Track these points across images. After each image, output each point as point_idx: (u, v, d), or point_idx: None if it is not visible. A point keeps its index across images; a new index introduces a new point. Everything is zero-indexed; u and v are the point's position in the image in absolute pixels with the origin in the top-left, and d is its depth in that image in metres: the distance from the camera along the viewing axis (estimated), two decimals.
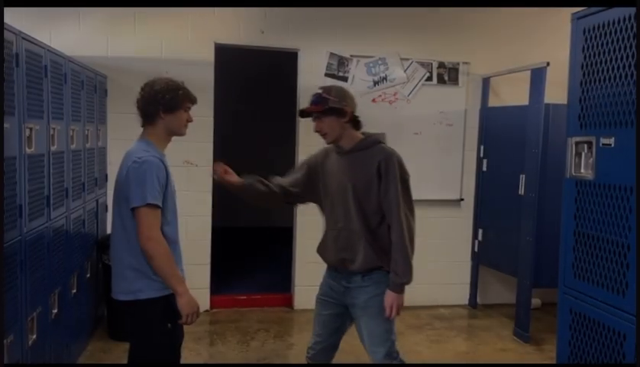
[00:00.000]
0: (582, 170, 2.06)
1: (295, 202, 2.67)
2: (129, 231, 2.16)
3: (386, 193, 2.41)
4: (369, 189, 2.44)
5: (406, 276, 2.41)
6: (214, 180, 2.61)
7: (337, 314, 2.60)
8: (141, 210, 2.09)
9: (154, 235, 2.10)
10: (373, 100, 4.83)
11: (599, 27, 1.96)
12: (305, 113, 2.52)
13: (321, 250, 2.62)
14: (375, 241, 2.46)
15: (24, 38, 2.47)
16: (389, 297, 2.43)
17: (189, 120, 2.35)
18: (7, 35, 2.27)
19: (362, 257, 2.46)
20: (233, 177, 2.54)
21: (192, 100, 2.35)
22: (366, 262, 2.46)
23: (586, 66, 2.02)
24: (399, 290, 2.43)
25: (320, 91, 2.49)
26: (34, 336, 2.61)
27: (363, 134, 2.55)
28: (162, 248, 2.11)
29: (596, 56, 1.96)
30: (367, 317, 2.49)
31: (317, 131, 2.50)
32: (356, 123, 2.52)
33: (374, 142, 2.51)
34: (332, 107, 2.42)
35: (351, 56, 4.77)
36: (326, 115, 2.44)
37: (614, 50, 1.88)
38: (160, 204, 2.14)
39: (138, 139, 2.31)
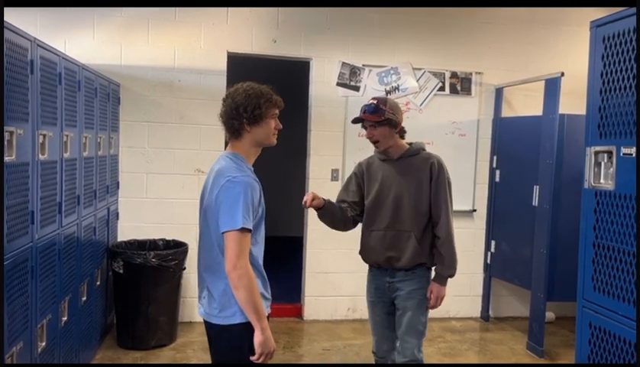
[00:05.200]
0: (601, 181, 2.01)
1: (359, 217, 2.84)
2: (223, 254, 2.03)
3: (436, 193, 2.69)
4: (422, 191, 2.69)
5: (453, 268, 2.69)
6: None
7: (388, 313, 2.78)
8: (232, 234, 1.96)
9: (241, 263, 1.96)
10: None
11: (618, 34, 1.92)
12: (358, 120, 2.73)
13: (364, 251, 2.80)
14: (423, 240, 2.69)
15: (39, 45, 2.48)
16: (436, 288, 2.68)
17: (277, 127, 2.16)
18: (22, 42, 2.28)
19: (410, 254, 2.67)
20: (318, 201, 2.66)
21: (278, 106, 2.15)
22: (413, 259, 2.68)
23: (606, 74, 1.98)
24: (444, 282, 2.69)
25: (375, 101, 2.69)
26: (44, 344, 2.59)
27: (407, 143, 2.79)
28: (246, 279, 1.96)
29: (617, 64, 1.92)
30: (409, 308, 2.69)
31: (369, 138, 2.73)
32: (402, 133, 2.76)
33: (420, 149, 2.78)
34: (388, 118, 2.65)
35: (363, 65, 4.76)
36: (381, 125, 2.66)
37: (635, 58, 1.84)
38: (252, 227, 2.00)
39: (226, 153, 2.15)
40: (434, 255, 2.73)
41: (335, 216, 2.75)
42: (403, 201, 2.68)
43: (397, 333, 2.73)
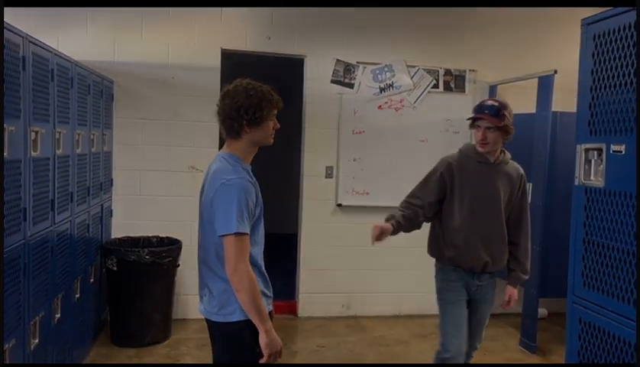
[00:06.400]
0: (592, 178, 2.03)
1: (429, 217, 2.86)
2: (221, 255, 2.02)
3: (521, 202, 2.81)
4: (512, 198, 2.78)
5: (528, 274, 2.90)
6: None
7: (465, 309, 2.86)
8: (229, 239, 1.96)
9: (240, 267, 1.96)
10: (379, 107, 4.82)
11: (610, 32, 1.93)
12: (475, 118, 2.70)
13: (460, 253, 2.75)
14: (507, 244, 2.80)
15: (31, 42, 2.47)
16: (513, 292, 2.88)
17: (275, 127, 2.13)
18: (14, 38, 2.27)
19: (503, 259, 2.80)
20: (387, 233, 2.64)
21: (278, 106, 2.12)
22: (503, 263, 2.81)
23: (597, 72, 1.99)
24: (517, 285, 2.90)
25: (497, 104, 2.69)
26: (36, 341, 2.58)
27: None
28: (247, 281, 1.97)
29: (607, 62, 1.94)
30: (489, 308, 2.90)
31: (481, 140, 2.69)
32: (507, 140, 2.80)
33: (509, 157, 2.84)
34: (507, 124, 2.65)
35: (357, 63, 4.77)
36: (498, 130, 2.65)
37: (625, 56, 1.85)
38: (248, 230, 1.99)
39: (222, 152, 2.13)
40: (509, 260, 2.84)
41: (405, 230, 2.76)
42: (499, 205, 2.73)
43: (475, 327, 2.88)
